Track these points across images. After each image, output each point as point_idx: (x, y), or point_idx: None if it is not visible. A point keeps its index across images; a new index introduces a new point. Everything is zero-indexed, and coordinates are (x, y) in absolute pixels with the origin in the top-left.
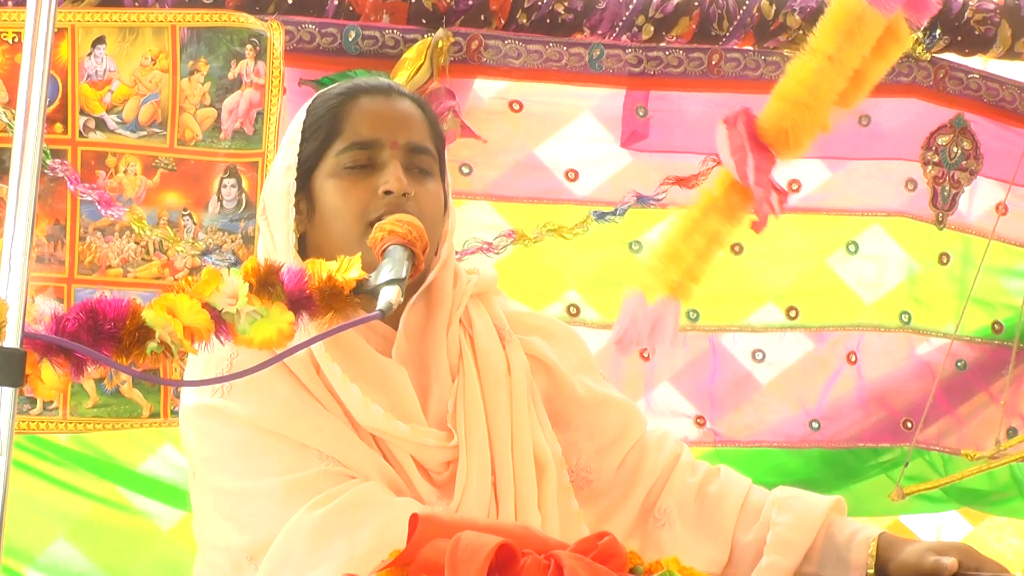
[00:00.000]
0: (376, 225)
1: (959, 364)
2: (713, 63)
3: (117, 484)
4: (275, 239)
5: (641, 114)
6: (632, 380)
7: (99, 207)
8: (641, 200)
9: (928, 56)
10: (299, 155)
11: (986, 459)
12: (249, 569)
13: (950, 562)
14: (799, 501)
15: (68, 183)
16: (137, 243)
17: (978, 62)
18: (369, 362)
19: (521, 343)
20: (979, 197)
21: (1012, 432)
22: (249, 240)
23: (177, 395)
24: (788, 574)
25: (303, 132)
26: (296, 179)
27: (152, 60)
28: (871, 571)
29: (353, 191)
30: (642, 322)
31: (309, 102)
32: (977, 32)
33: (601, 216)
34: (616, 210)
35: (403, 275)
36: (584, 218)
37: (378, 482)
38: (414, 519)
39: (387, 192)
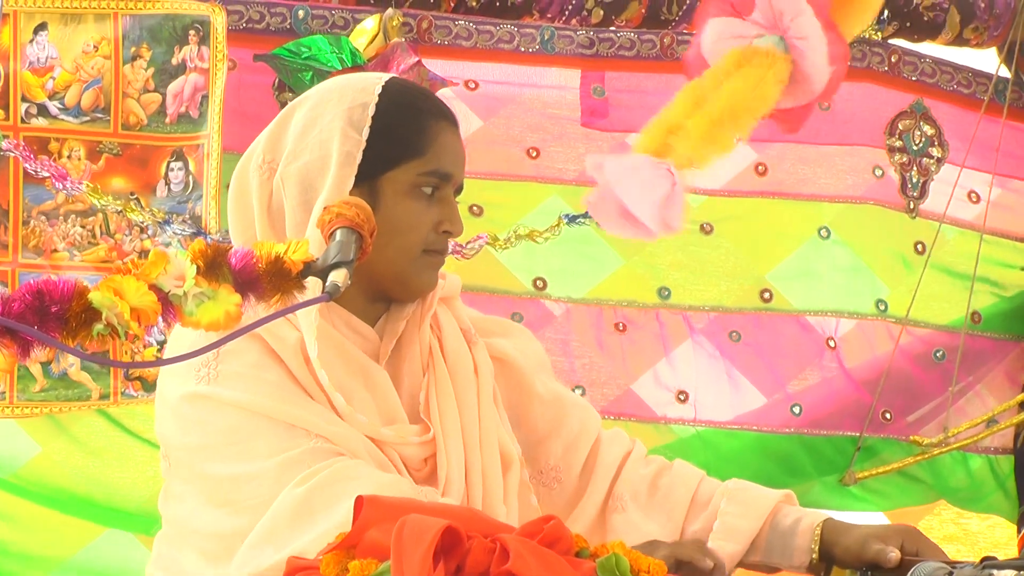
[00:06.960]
0: (324, 208)
1: (937, 354)
2: (666, 44)
3: None
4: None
5: (599, 94)
6: (612, 354)
7: (55, 181)
8: None
9: (879, 36)
10: (364, 150)
11: (933, 446)
12: None
13: (893, 555)
14: (748, 492)
15: (22, 161)
16: (83, 227)
17: (928, 48)
18: (355, 362)
19: (486, 346)
20: (950, 184)
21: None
22: (198, 220)
23: (128, 377)
24: (733, 560)
25: (371, 126)
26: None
27: (94, 47)
28: (815, 556)
29: (421, 217)
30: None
31: (377, 90)
32: (926, 18)
33: (572, 220)
34: (587, 213)
35: (350, 257)
36: (556, 222)
37: (366, 460)
38: (359, 501)
39: (446, 232)
